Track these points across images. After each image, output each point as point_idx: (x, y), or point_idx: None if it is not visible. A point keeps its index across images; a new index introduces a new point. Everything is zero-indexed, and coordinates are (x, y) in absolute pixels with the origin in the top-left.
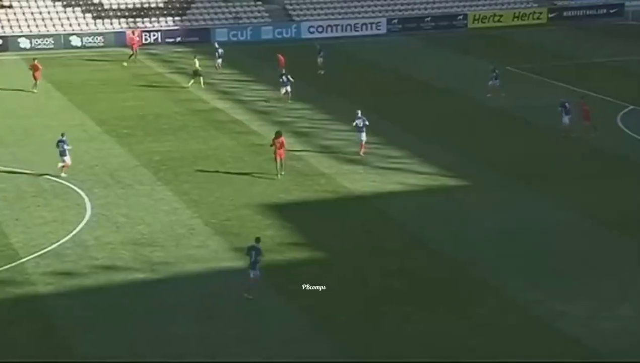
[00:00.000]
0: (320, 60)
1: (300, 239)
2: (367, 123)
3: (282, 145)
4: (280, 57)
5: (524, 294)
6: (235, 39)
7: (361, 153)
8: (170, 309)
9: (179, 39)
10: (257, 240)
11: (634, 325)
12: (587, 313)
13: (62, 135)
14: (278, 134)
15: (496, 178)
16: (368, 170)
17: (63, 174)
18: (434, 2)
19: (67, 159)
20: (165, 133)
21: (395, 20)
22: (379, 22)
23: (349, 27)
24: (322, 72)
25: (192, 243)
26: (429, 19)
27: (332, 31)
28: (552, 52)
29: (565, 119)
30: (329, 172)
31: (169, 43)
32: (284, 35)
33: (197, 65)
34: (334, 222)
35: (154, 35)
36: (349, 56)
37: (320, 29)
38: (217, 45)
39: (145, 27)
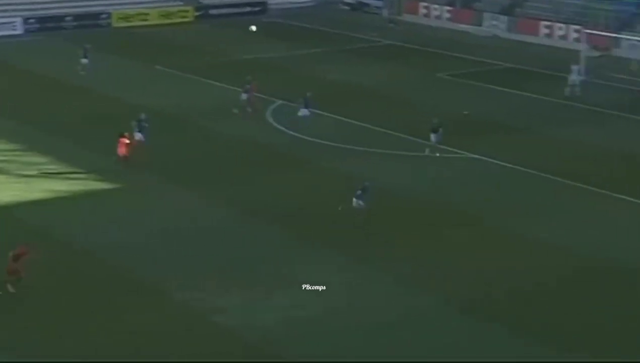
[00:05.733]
0: (84, 60)
1: None
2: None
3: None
4: None
5: (183, 293)
6: None
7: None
8: None
9: None
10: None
11: (289, 312)
12: (244, 305)
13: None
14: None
15: (150, 180)
16: (10, 179)
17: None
18: (74, 0)
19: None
20: None
21: (33, 20)
22: (14, 22)
23: None
24: (84, 73)
25: None
26: (70, 17)
27: None
28: (201, 50)
29: (244, 96)
30: None
31: None
32: None
33: None
34: None
35: None
36: None
37: None
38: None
39: None
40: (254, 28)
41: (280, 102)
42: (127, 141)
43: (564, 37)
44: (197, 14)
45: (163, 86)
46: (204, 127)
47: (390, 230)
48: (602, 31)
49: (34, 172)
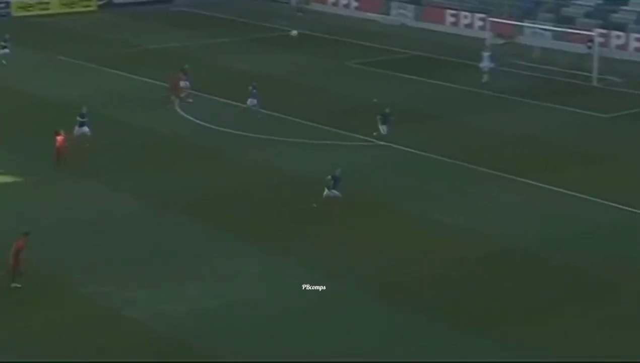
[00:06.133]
0: (4, 51)
1: None
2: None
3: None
4: None
5: (91, 286)
6: None
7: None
8: None
9: None
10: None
11: (200, 303)
12: (155, 298)
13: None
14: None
15: (57, 172)
16: None
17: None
18: None
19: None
20: None
21: None
22: None
23: None
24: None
25: None
26: None
27: None
28: (105, 40)
29: (186, 84)
30: None
31: None
32: None
33: None
34: None
35: None
36: None
37: None
38: None
39: None
40: (295, 33)
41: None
42: (62, 138)
43: (469, 26)
44: (100, 3)
45: (68, 77)
46: (112, 117)
47: (303, 219)
48: (505, 20)
49: None
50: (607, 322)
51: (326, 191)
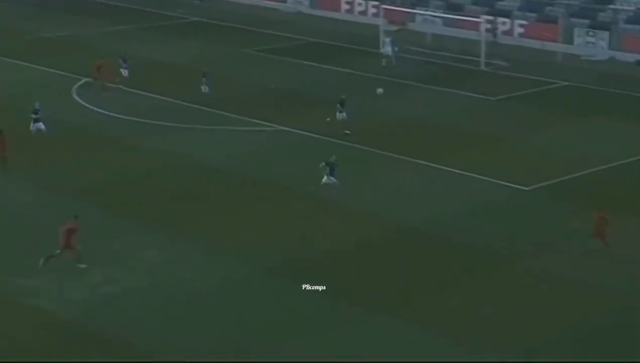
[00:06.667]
0: None
1: None
2: None
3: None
4: None
5: None
6: None
7: None
8: None
9: None
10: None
11: (102, 289)
12: (58, 285)
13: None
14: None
15: None
16: None
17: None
18: None
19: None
20: None
21: None
22: None
23: None
24: None
25: None
26: None
27: None
28: (1, 28)
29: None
30: None
31: None
32: None
33: None
34: None
35: None
36: None
37: None
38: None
39: None
40: (381, 90)
41: (85, 79)
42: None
43: (363, 13)
44: None
45: None
46: (9, 107)
47: (202, 205)
48: (398, 7)
49: None
50: (503, 296)
51: (325, 178)
